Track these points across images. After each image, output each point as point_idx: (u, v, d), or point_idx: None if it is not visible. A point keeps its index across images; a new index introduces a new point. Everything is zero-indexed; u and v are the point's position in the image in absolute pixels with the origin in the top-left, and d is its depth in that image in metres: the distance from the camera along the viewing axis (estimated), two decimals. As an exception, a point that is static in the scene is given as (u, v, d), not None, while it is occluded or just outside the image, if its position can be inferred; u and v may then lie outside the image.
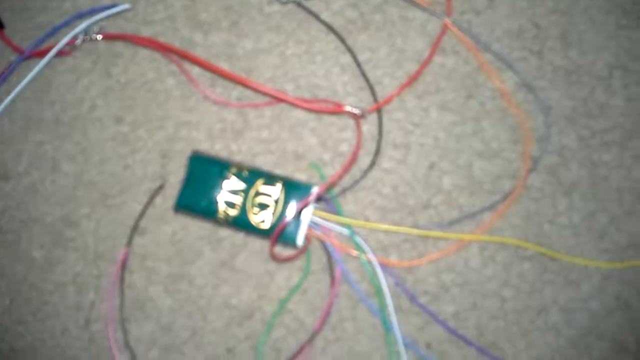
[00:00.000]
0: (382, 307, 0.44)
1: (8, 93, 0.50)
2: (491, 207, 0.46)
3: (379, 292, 0.44)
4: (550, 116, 0.48)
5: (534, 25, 0.50)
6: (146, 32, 0.51)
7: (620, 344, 0.44)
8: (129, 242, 0.46)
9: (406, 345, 0.43)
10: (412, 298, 0.44)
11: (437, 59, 0.49)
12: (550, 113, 0.48)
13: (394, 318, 0.44)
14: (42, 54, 0.50)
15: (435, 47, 0.49)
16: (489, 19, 0.50)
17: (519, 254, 0.45)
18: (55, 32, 0.51)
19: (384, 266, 0.45)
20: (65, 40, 0.50)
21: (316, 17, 0.50)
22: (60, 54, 0.50)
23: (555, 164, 0.47)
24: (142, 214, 0.46)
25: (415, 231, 0.45)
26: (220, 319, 0.44)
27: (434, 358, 0.43)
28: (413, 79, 0.49)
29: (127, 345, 0.44)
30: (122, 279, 0.45)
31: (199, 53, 0.50)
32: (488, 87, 0.49)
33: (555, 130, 0.48)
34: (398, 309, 0.44)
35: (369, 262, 0.44)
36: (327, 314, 0.44)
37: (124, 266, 0.45)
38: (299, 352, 0.43)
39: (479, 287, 0.45)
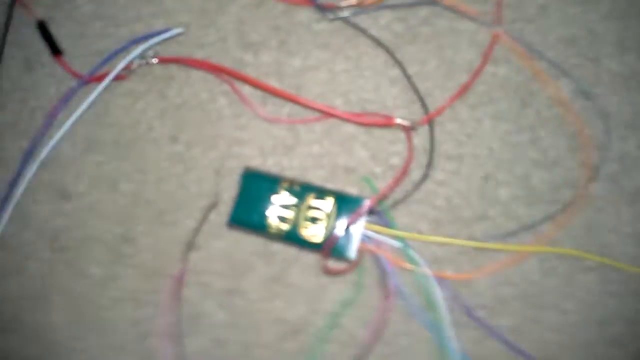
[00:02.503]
0: (437, 322, 0.43)
1: (68, 117, 0.52)
2: (551, 218, 0.45)
3: (433, 306, 0.44)
4: (609, 123, 0.47)
5: (589, 31, 0.49)
6: (199, 54, 0.52)
7: (693, 360, 0.42)
8: (185, 258, 0.47)
9: (463, 360, 0.43)
10: (469, 312, 0.43)
11: (489, 69, 0.49)
12: (609, 120, 0.47)
13: (449, 332, 0.43)
14: (100, 79, 0.52)
15: (487, 56, 0.49)
16: (541, 26, 0.50)
17: (581, 266, 0.44)
18: (112, 57, 0.53)
19: (438, 279, 0.44)
20: (122, 65, 0.52)
21: (364, 32, 0.51)
22: (117, 78, 0.52)
23: (617, 172, 0.46)
24: (197, 230, 0.48)
25: (471, 243, 0.45)
26: (273, 333, 0.45)
27: (494, 374, 0.42)
28: (464, 90, 0.49)
29: (184, 359, 0.45)
30: (178, 295, 0.46)
31: (249, 72, 0.51)
32: (543, 95, 0.48)
33: (616, 137, 0.47)
34: (454, 324, 0.43)
35: (424, 275, 0.44)
36: (380, 329, 0.44)
37: (180, 282, 0.46)
38: (352, 367, 0.43)
39: (538, 300, 0.43)
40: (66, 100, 0.52)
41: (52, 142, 0.51)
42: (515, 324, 0.43)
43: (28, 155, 0.51)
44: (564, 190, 0.46)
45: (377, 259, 0.45)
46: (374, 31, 0.51)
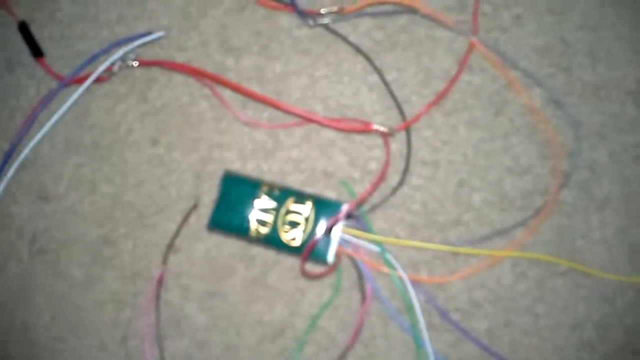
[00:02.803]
0: (414, 324, 0.44)
1: (49, 118, 0.51)
2: (522, 223, 0.46)
3: (410, 308, 0.44)
4: (580, 131, 0.48)
5: (562, 41, 0.50)
6: (180, 58, 0.52)
7: (657, 361, 0.43)
8: (165, 261, 0.47)
9: (438, 362, 0.43)
10: (444, 315, 0.44)
11: (465, 77, 0.50)
12: (580, 128, 0.48)
13: (425, 335, 0.43)
14: (81, 81, 0.52)
15: (463, 65, 0.50)
16: (516, 36, 0.50)
17: (552, 270, 0.45)
18: (93, 59, 0.53)
19: (414, 283, 0.45)
20: (103, 67, 0.52)
21: (344, 39, 0.51)
22: (98, 80, 0.52)
23: (587, 180, 0.47)
24: (177, 233, 0.47)
25: (446, 247, 0.45)
26: (253, 335, 0.45)
27: (467, 375, 0.43)
28: (441, 97, 0.49)
29: (163, 361, 0.45)
30: (158, 297, 0.46)
31: (230, 77, 0.51)
32: (517, 103, 0.49)
33: (586, 146, 0.47)
34: (429, 326, 0.44)
35: (400, 278, 0.45)
36: (358, 331, 0.44)
37: (160, 284, 0.46)
38: (331, 368, 0.44)
39: (511, 303, 0.44)
40: (46, 101, 0.52)
41: (32, 143, 0.51)
42: (489, 327, 0.44)
43: (7, 156, 0.50)
44: (536, 197, 0.46)
45: (354, 263, 0.45)
46: (353, 38, 0.51)
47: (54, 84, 0.52)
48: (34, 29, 0.53)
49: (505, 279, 0.45)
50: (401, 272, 0.45)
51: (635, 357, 0.43)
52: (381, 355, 0.44)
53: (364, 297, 0.45)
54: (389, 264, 0.45)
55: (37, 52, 0.53)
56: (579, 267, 0.44)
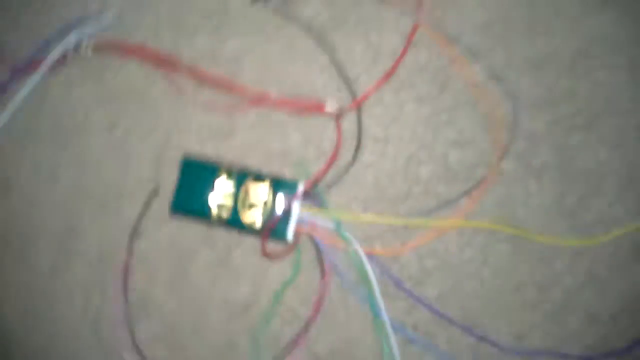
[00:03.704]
0: (370, 295, 0.45)
1: (4, 108, 0.49)
2: (467, 194, 0.47)
3: (366, 280, 0.45)
4: (518, 104, 0.48)
5: (501, 17, 0.50)
6: (134, 39, 0.51)
7: (593, 316, 0.45)
8: (130, 247, 0.47)
9: (394, 329, 0.44)
10: (398, 284, 0.45)
11: (411, 55, 0.50)
12: (518, 101, 0.49)
13: (381, 304, 0.45)
14: (34, 68, 0.50)
15: (408, 43, 0.50)
16: (459, 13, 0.50)
17: (495, 237, 0.46)
18: (46, 45, 0.51)
19: (369, 256, 0.45)
20: (55, 53, 0.50)
21: (295, 19, 0.50)
22: (53, 67, 0.50)
23: (525, 150, 0.48)
24: (140, 218, 0.47)
25: (397, 221, 0.46)
26: (220, 314, 0.45)
27: (421, 338, 0.45)
28: (389, 76, 0.49)
29: (135, 345, 0.45)
30: (125, 283, 0.46)
31: (184, 58, 0.50)
32: (460, 79, 0.49)
33: (524, 118, 0.48)
34: (385, 295, 0.45)
35: (356, 252, 0.45)
36: (319, 304, 0.45)
37: (126, 270, 0.46)
38: (295, 341, 0.44)
39: (459, 269, 0.46)
40: (1, 91, 0.50)
41: (-11, 135, 0.49)
42: (440, 293, 0.45)
43: (-35, 149, 0.49)
44: (479, 168, 0.47)
45: (313, 240, 0.46)
46: (304, 17, 0.50)
47: (7, 73, 0.50)
48: (-18, 19, 0.51)
49: (452, 247, 0.46)
50: (357, 246, 0.45)
51: (574, 315, 0.45)
52: (342, 325, 0.45)
53: (323, 272, 0.45)
54: (345, 239, 0.46)
55: (-14, 42, 0.51)
56: (519, 233, 0.46)
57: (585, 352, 0.44)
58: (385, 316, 0.44)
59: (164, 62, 0.50)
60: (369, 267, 0.45)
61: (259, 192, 0.46)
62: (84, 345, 0.45)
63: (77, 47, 0.51)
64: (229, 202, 0.46)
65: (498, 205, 0.47)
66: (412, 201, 0.47)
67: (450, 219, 0.46)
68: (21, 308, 0.46)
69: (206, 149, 0.48)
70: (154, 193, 0.47)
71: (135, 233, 0.47)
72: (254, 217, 0.45)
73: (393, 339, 0.44)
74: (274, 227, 0.45)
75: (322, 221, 0.46)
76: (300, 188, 0.45)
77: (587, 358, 0.44)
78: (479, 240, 0.46)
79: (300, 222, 0.46)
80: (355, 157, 0.48)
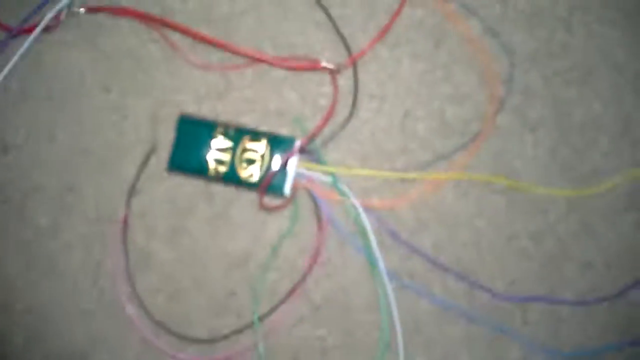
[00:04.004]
0: (367, 246, 0.46)
1: (1, 70, 0.50)
2: (463, 148, 0.48)
3: (363, 232, 0.46)
4: (514, 58, 0.49)
5: (497, -28, 0.51)
6: (126, 1, 0.51)
7: (587, 263, 0.46)
8: (128, 203, 0.47)
9: (390, 277, 0.45)
10: (394, 235, 0.46)
11: (406, 11, 0.50)
12: (514, 55, 0.49)
13: (378, 254, 0.45)
14: (29, 31, 0.50)
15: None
16: (453, -31, 0.51)
17: (490, 188, 0.47)
18: (40, 8, 0.51)
19: (366, 208, 0.46)
20: (49, 15, 0.50)
21: (288, -23, 0.51)
22: (46, 29, 0.50)
23: (521, 104, 0.48)
24: (138, 176, 0.48)
25: (394, 174, 0.47)
26: (218, 265, 0.46)
27: (417, 285, 0.46)
28: (384, 32, 0.50)
29: (135, 295, 0.46)
30: (124, 237, 0.47)
31: (178, 19, 0.50)
32: (455, 35, 0.49)
33: (520, 72, 0.49)
34: (381, 246, 0.46)
35: (353, 205, 0.46)
36: (316, 255, 0.46)
37: (125, 224, 0.47)
38: (292, 290, 0.45)
39: (454, 220, 0.46)
40: (-4, 54, 0.50)
41: (-15, 97, 0.49)
42: (435, 243, 0.46)
43: (-39, 110, 0.49)
44: (474, 122, 0.48)
45: (310, 194, 0.47)
46: (298, -25, 0.51)
47: (2, 36, 0.50)
48: (-25, -20, 0.51)
49: (448, 199, 0.47)
50: (353, 200, 0.46)
51: (567, 263, 0.46)
52: (338, 275, 0.46)
53: (320, 225, 0.46)
54: (342, 193, 0.46)
55: (-20, 3, 0.51)
56: (514, 184, 0.47)
57: (579, 297, 0.45)
58: (381, 265, 0.45)
59: (157, 22, 0.50)
60: (365, 219, 0.46)
61: (256, 148, 0.46)
62: (86, 297, 0.46)
63: (70, 10, 0.51)
64: (226, 158, 0.46)
65: (494, 158, 0.47)
66: (409, 156, 0.48)
67: (446, 172, 0.47)
68: (21, 265, 0.47)
69: (203, 108, 0.49)
70: (152, 151, 0.48)
71: (133, 190, 0.47)
72: (251, 172, 0.46)
73: (389, 287, 0.45)
74: (271, 181, 0.46)
75: (319, 176, 0.47)
76: (297, 144, 0.46)
77: (580, 303, 0.45)
78: (475, 193, 0.47)
79: (297, 177, 0.46)
80: (351, 113, 0.48)
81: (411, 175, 0.47)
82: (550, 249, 0.46)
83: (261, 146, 0.46)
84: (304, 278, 0.45)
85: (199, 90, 0.49)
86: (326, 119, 0.47)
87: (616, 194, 0.47)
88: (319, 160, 0.47)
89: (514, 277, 0.46)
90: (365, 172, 0.47)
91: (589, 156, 0.47)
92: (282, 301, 0.45)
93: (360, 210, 0.46)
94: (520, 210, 0.46)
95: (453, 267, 0.46)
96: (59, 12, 0.51)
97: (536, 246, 0.46)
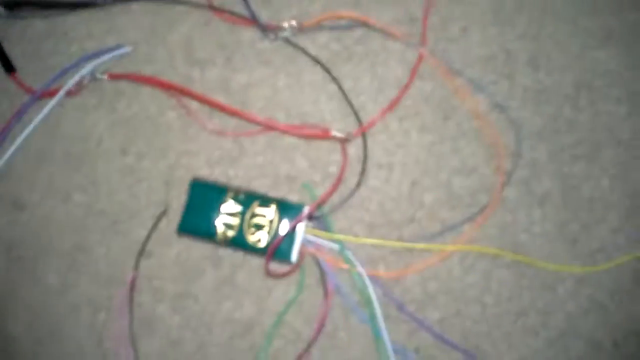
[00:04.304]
0: (372, 316, 0.46)
1: (21, 131, 0.51)
2: (470, 219, 0.48)
3: (368, 302, 0.46)
4: (521, 133, 0.50)
5: (504, 50, 0.53)
6: (148, 70, 0.53)
7: (596, 343, 0.45)
8: (137, 265, 0.48)
9: (395, 351, 0.45)
10: (400, 307, 0.46)
11: (416, 85, 0.52)
12: (521, 130, 0.50)
13: (383, 326, 0.45)
14: (52, 94, 0.52)
15: (414, 74, 0.52)
16: (462, 46, 0.53)
17: (497, 262, 0.47)
18: (63, 73, 0.53)
19: (372, 278, 0.46)
20: (73, 81, 0.52)
21: (303, 51, 0.53)
22: (69, 93, 0.52)
23: (528, 177, 0.49)
24: (148, 238, 0.48)
25: (401, 244, 0.47)
26: (223, 332, 0.46)
27: (422, 362, 0.45)
28: (394, 104, 0.51)
29: (138, 360, 0.46)
30: (131, 300, 0.47)
31: (196, 88, 0.52)
32: (463, 109, 0.51)
33: (527, 146, 0.50)
34: (387, 317, 0.46)
35: (359, 274, 0.46)
36: (321, 325, 0.45)
37: (132, 287, 0.47)
38: (296, 360, 0.45)
39: (461, 294, 0.46)
40: (19, 115, 0.52)
41: (6, 156, 0.51)
42: (442, 317, 0.46)
43: (-18, 169, 0.51)
44: (481, 194, 0.49)
45: (317, 261, 0.47)
46: (312, 50, 0.53)
47: (26, 98, 0.53)
48: (6, 46, 0.54)
49: (455, 271, 0.47)
50: (360, 268, 0.46)
51: (576, 341, 0.45)
52: (343, 347, 0.45)
53: (326, 293, 0.46)
54: (348, 261, 0.47)
55: (9, 67, 0.53)
56: (522, 259, 0.47)
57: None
58: (386, 338, 0.45)
59: (177, 91, 0.52)
60: (371, 289, 0.46)
61: (265, 214, 0.47)
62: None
63: (92, 76, 0.53)
64: (235, 223, 0.47)
65: (501, 231, 0.48)
66: (416, 226, 0.48)
67: (453, 243, 0.47)
68: (27, 322, 0.47)
69: (215, 173, 0.50)
70: (163, 214, 0.49)
71: (143, 252, 0.48)
72: (259, 237, 0.47)
73: (394, 362, 0.45)
74: (278, 247, 0.46)
75: (326, 243, 0.47)
76: (306, 210, 0.47)
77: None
78: (482, 266, 0.47)
79: (304, 243, 0.47)
80: (360, 181, 0.49)
81: (418, 245, 0.47)
82: (558, 326, 0.46)
83: (270, 212, 0.47)
84: (308, 348, 0.45)
85: (212, 156, 0.51)
86: (335, 187, 0.48)
87: (625, 271, 0.47)
88: (326, 228, 0.47)
89: (521, 355, 0.45)
90: (372, 240, 0.47)
91: (597, 232, 0.48)
92: (286, 371, 0.45)
93: (367, 279, 0.46)
94: (528, 285, 0.46)
95: (460, 343, 0.45)
96: (82, 77, 0.53)
97: (544, 323, 0.46)
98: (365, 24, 0.53)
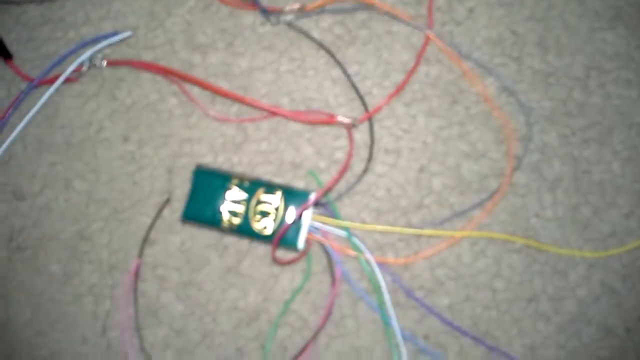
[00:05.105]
0: (381, 303, 0.45)
1: (20, 119, 0.51)
2: (479, 205, 0.48)
3: (377, 289, 0.46)
4: (531, 117, 0.50)
5: (512, 32, 0.52)
6: (147, 56, 0.53)
7: (607, 328, 0.45)
8: (140, 253, 0.48)
9: (405, 338, 0.45)
10: (409, 293, 0.46)
11: (422, 69, 0.52)
12: (531, 114, 0.50)
13: (392, 313, 0.45)
14: (50, 82, 0.52)
15: (420, 57, 0.52)
16: (469, 28, 0.52)
17: (508, 248, 0.47)
18: (62, 60, 0.53)
19: (381, 264, 0.46)
20: (71, 67, 0.52)
21: (306, 35, 0.53)
22: (67, 80, 0.52)
23: (539, 162, 0.49)
24: (152, 226, 0.48)
25: (409, 230, 0.47)
26: (229, 321, 0.46)
27: (432, 349, 0.45)
28: (400, 88, 0.51)
29: (143, 350, 0.46)
30: (135, 288, 0.47)
31: (197, 74, 0.52)
32: (471, 92, 0.51)
33: (537, 130, 0.50)
34: (396, 304, 0.46)
35: (367, 261, 0.46)
36: (329, 312, 0.45)
37: (136, 276, 0.47)
38: (303, 349, 0.45)
39: (471, 280, 0.46)
40: (17, 103, 0.52)
41: (5, 145, 0.51)
42: (451, 303, 0.46)
43: (-19, 158, 0.51)
44: (491, 179, 0.48)
45: (324, 248, 0.47)
46: (316, 34, 0.53)
47: (23, 86, 0.52)
48: (1, 32, 0.53)
49: (465, 257, 0.47)
50: (368, 255, 0.46)
51: (587, 327, 0.45)
52: (351, 334, 0.45)
53: (333, 280, 0.46)
54: (356, 248, 0.47)
55: (5, 54, 0.53)
56: (533, 244, 0.47)
57: (599, 362, 0.45)
58: (395, 325, 0.45)
59: (177, 77, 0.52)
60: (380, 276, 0.46)
61: (270, 200, 0.47)
62: (93, 349, 0.46)
63: (91, 63, 0.53)
64: (240, 210, 0.47)
65: (511, 217, 0.48)
66: (425, 211, 0.48)
67: (462, 229, 0.47)
68: (31, 313, 0.47)
69: (219, 160, 0.50)
70: (166, 202, 0.49)
71: (146, 240, 0.48)
72: (264, 225, 0.47)
73: (403, 349, 0.44)
74: (284, 234, 0.46)
75: (333, 230, 0.47)
76: (312, 197, 0.47)
77: (601, 368, 0.45)
78: (492, 251, 0.47)
79: (311, 230, 0.47)
80: (367, 167, 0.49)
81: (427, 231, 0.47)
82: (569, 311, 0.45)
83: (276, 199, 0.47)
84: (315, 336, 0.45)
85: (215, 142, 0.50)
86: (341, 173, 0.48)
87: (637, 256, 0.47)
88: (333, 214, 0.47)
89: (532, 340, 0.45)
90: (380, 227, 0.47)
91: (608, 216, 0.48)
92: (293, 359, 0.45)
93: (375, 266, 0.46)
94: (539, 271, 0.46)
95: (469, 329, 0.45)
96: (81, 64, 0.53)
97: (555, 309, 0.45)
98: (369, 7, 0.53)
